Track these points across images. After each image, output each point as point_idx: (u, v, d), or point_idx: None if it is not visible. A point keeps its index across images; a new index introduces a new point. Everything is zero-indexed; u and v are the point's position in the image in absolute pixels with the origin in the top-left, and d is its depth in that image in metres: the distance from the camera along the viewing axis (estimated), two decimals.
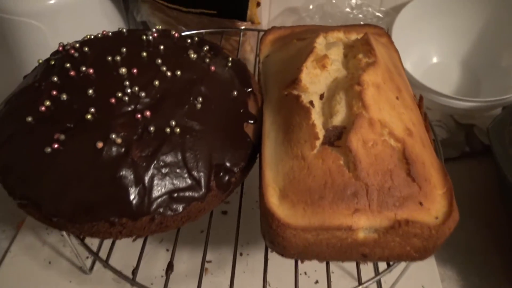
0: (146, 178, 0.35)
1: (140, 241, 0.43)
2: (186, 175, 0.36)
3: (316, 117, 0.38)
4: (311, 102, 0.39)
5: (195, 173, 0.37)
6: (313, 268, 0.53)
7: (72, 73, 0.39)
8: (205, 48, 0.45)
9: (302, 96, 0.39)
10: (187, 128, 0.38)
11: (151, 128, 0.36)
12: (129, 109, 0.37)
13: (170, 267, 0.39)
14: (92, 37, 0.44)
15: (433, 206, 0.35)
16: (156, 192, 0.35)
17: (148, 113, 0.37)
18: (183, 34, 0.46)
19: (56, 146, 0.35)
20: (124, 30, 0.45)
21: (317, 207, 0.34)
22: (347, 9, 0.78)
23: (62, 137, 0.36)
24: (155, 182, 0.35)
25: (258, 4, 0.59)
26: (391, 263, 0.41)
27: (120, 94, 0.37)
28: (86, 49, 0.41)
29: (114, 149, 0.35)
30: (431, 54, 0.77)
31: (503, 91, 0.69)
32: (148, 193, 0.35)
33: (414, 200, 0.35)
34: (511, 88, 0.69)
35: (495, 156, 0.51)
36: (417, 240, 0.35)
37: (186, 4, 0.59)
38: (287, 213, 0.34)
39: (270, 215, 0.34)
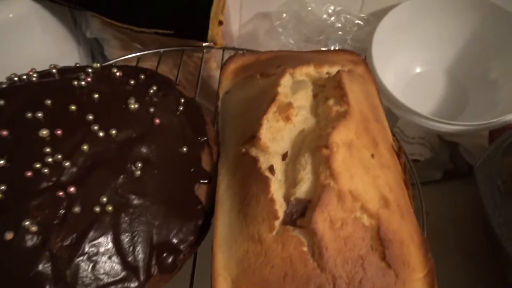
0: (69, 274, 0.29)
1: None
2: (119, 264, 0.30)
3: (277, 187, 0.32)
4: (271, 168, 0.33)
5: (130, 260, 0.31)
6: None
7: None
8: (151, 91, 0.38)
9: (260, 160, 0.33)
10: (122, 204, 0.31)
11: (76, 209, 0.30)
12: (50, 184, 0.31)
13: None
14: (15, 79, 0.37)
15: None
16: None
17: (72, 189, 0.30)
18: (126, 70, 0.40)
19: None
20: (55, 70, 0.38)
21: None
22: (324, 16, 0.71)
23: None
24: (80, 277, 0.29)
25: (221, 23, 0.52)
26: None
27: (38, 165, 0.31)
28: (2, 102, 0.34)
29: (28, 239, 0.29)
30: (414, 63, 0.72)
31: (491, 105, 0.64)
32: None
33: None
34: (500, 103, 0.65)
35: (481, 197, 0.47)
36: None
37: (138, 23, 0.51)
38: None
39: None
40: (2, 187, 0.30)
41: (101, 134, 0.33)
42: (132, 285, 0.31)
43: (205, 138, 0.39)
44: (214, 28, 0.50)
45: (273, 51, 0.48)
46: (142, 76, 0.40)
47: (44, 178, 0.31)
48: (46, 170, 0.31)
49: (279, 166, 0.34)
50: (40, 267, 0.28)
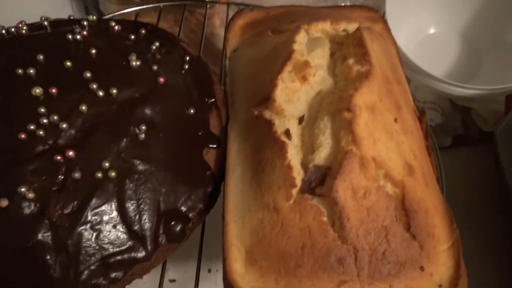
0: (70, 244, 0.27)
1: None
2: (125, 233, 0.28)
3: (294, 153, 0.30)
4: (287, 132, 0.30)
5: (137, 229, 0.28)
6: None
7: None
8: (153, 47, 0.35)
9: (275, 123, 0.31)
10: (126, 169, 0.29)
11: (76, 174, 0.27)
12: (46, 147, 0.28)
13: None
14: (3, 31, 0.33)
15: (437, 270, 0.28)
16: (84, 261, 0.27)
17: (71, 152, 0.28)
18: (126, 24, 0.36)
19: None
20: (47, 23, 0.34)
21: (292, 279, 0.27)
22: None
23: None
24: (83, 247, 0.27)
25: None
26: None
27: (33, 127, 0.28)
28: None
29: (25, 207, 0.26)
30: (428, 23, 0.69)
31: (506, 70, 0.61)
32: (73, 263, 0.27)
33: (413, 265, 0.28)
34: None
35: (500, 164, 0.45)
36: None
37: None
38: (254, 286, 0.27)
39: None
40: None
41: (100, 93, 0.30)
42: (139, 255, 0.29)
43: (213, 100, 0.36)
44: None
45: (284, 6, 0.44)
46: (143, 31, 0.37)
47: (39, 141, 0.28)
48: (41, 132, 0.28)
49: (295, 130, 0.31)
50: (40, 236, 0.26)
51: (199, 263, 0.35)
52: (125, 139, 0.29)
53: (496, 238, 0.51)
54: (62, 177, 0.27)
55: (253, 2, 0.60)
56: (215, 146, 0.34)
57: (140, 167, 0.29)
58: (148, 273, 0.31)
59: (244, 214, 0.29)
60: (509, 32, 0.64)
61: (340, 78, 0.34)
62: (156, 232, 0.29)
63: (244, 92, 0.36)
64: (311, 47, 0.35)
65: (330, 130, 0.30)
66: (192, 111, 0.33)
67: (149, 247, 0.29)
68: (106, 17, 0.51)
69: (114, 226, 0.28)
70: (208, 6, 0.54)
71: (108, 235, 0.28)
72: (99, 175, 0.28)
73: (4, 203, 0.26)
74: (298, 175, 0.29)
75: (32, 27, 0.34)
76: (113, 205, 0.28)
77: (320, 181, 0.29)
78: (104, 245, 0.28)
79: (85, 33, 0.33)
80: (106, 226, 0.28)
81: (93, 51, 0.32)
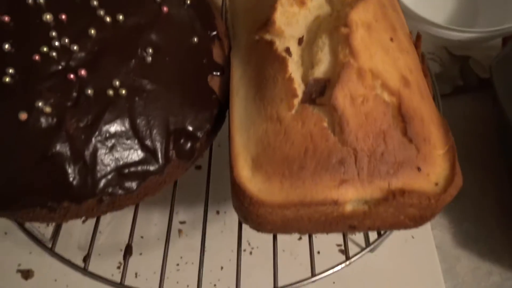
0: (87, 154, 0.28)
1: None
2: (137, 146, 0.30)
3: (294, 68, 0.31)
4: (287, 50, 0.32)
5: (148, 143, 0.30)
6: None
7: None
8: None
9: (276, 42, 0.32)
10: (136, 88, 0.30)
11: (89, 91, 0.29)
12: (59, 67, 0.29)
13: (128, 251, 0.34)
14: None
15: (433, 170, 0.30)
16: (101, 170, 0.29)
17: (83, 72, 0.29)
18: None
19: None
20: None
21: (296, 180, 0.29)
22: None
23: None
24: (99, 157, 0.29)
25: None
26: (382, 232, 0.37)
27: (46, 49, 0.29)
28: None
29: (42, 120, 0.28)
30: None
31: (503, 18, 0.62)
32: (91, 172, 0.29)
33: (411, 165, 0.29)
34: (511, 16, 0.62)
35: (497, 97, 0.46)
36: (413, 209, 0.30)
37: None
38: (261, 188, 0.29)
39: (241, 191, 0.29)
40: (10, 71, 0.29)
41: (107, 19, 0.31)
42: (152, 167, 0.30)
43: (215, 32, 0.37)
44: None
45: None
46: None
47: (53, 62, 0.29)
48: (54, 54, 0.30)
49: (295, 50, 0.32)
50: (58, 146, 0.28)
51: (207, 203, 0.38)
52: (133, 60, 0.31)
53: (496, 179, 0.53)
54: (76, 94, 0.29)
55: None
56: (218, 73, 0.35)
57: (149, 87, 0.31)
58: (159, 191, 0.33)
59: (249, 127, 0.31)
60: None
61: (337, 5, 0.35)
62: (167, 147, 0.31)
63: (245, 23, 0.37)
64: None
65: (328, 47, 0.31)
66: (195, 39, 0.35)
67: (160, 161, 0.31)
68: None
69: (127, 139, 0.30)
70: None
71: (122, 147, 0.30)
72: (111, 92, 0.30)
73: (24, 116, 0.28)
74: (299, 87, 0.30)
75: None
76: (125, 120, 0.30)
77: (320, 92, 0.30)
78: (118, 157, 0.29)
79: None
80: (120, 139, 0.30)
81: None
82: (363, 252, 0.36)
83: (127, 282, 0.33)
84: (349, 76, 0.29)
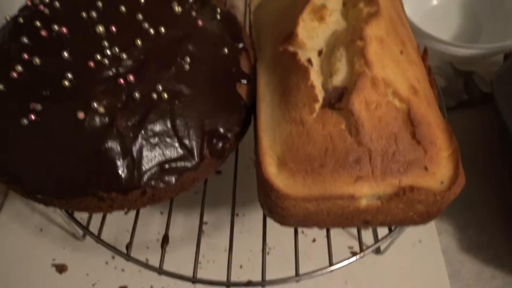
0: (134, 150, 0.32)
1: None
2: (177, 144, 0.34)
3: (315, 76, 0.35)
4: (309, 60, 0.36)
5: (186, 142, 0.34)
6: None
7: (43, 33, 0.35)
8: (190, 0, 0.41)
9: (299, 53, 0.36)
10: (176, 92, 0.34)
11: (136, 95, 0.33)
12: (110, 73, 0.34)
13: (165, 240, 0.38)
14: None
15: (439, 170, 0.34)
16: (146, 164, 0.33)
17: (131, 77, 0.33)
18: None
19: (33, 117, 0.32)
20: None
21: (317, 176, 0.32)
22: None
23: (39, 107, 0.32)
24: (144, 153, 0.33)
25: None
26: (392, 227, 0.40)
27: (99, 57, 0.34)
28: (57, 4, 0.36)
29: (97, 119, 0.32)
30: None
31: (505, 35, 0.66)
32: (137, 166, 0.32)
33: (419, 165, 0.33)
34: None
35: (498, 110, 0.49)
36: (421, 206, 0.33)
37: None
38: (286, 183, 0.33)
39: (268, 186, 0.32)
40: (69, 75, 0.33)
41: (151, 31, 0.36)
42: (189, 164, 0.34)
43: (242, 44, 0.41)
44: None
45: None
46: None
47: (105, 68, 0.34)
48: (106, 61, 0.34)
49: (316, 60, 0.36)
50: (109, 143, 0.32)
51: (234, 206, 0.41)
52: (173, 68, 0.35)
53: (500, 190, 0.55)
54: (125, 96, 0.33)
55: None
56: (246, 82, 0.39)
57: (187, 91, 0.35)
58: (193, 188, 0.37)
59: (274, 129, 0.35)
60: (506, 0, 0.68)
61: (352, 21, 0.39)
62: (202, 146, 0.35)
63: (269, 36, 0.41)
64: None
65: (345, 58, 0.35)
66: (226, 50, 0.39)
67: (196, 158, 0.35)
68: None
69: (168, 138, 0.34)
70: None
71: (164, 145, 0.33)
72: (154, 96, 0.34)
73: (81, 115, 0.32)
74: (319, 93, 0.34)
75: None
76: (167, 121, 0.34)
77: (338, 98, 0.34)
78: (160, 153, 0.33)
79: None
80: (162, 138, 0.33)
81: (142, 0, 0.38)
82: (375, 245, 0.39)
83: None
84: (364, 84, 0.33)
